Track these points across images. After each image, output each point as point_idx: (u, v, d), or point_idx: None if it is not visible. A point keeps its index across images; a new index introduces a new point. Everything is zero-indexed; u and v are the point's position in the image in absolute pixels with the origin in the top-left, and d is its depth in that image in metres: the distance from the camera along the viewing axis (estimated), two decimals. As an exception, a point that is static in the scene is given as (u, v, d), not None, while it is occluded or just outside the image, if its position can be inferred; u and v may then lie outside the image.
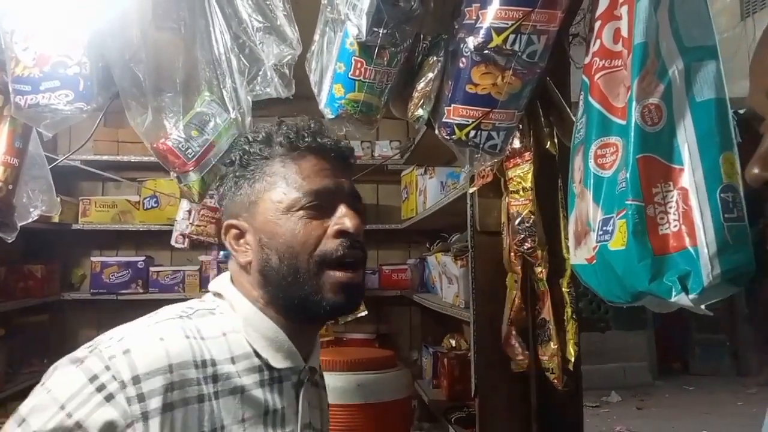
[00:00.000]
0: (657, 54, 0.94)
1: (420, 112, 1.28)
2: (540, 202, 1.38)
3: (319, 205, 0.79)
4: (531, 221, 1.38)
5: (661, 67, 0.93)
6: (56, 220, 2.85)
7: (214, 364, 0.73)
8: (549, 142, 1.39)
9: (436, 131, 1.25)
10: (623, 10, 1.04)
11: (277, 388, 0.78)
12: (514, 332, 1.40)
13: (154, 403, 0.67)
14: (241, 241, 0.81)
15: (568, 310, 1.35)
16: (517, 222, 1.41)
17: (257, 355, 0.77)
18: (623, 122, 1.00)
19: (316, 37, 1.31)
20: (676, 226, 0.90)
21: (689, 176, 0.90)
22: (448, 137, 1.20)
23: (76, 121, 1.06)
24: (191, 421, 0.69)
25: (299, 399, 0.80)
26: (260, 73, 1.28)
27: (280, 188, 0.79)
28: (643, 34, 0.93)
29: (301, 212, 0.78)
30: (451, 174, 2.21)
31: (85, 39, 1.07)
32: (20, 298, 2.79)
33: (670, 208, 0.90)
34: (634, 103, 0.93)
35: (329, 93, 1.22)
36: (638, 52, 0.93)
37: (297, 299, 0.78)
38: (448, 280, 2.08)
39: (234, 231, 0.82)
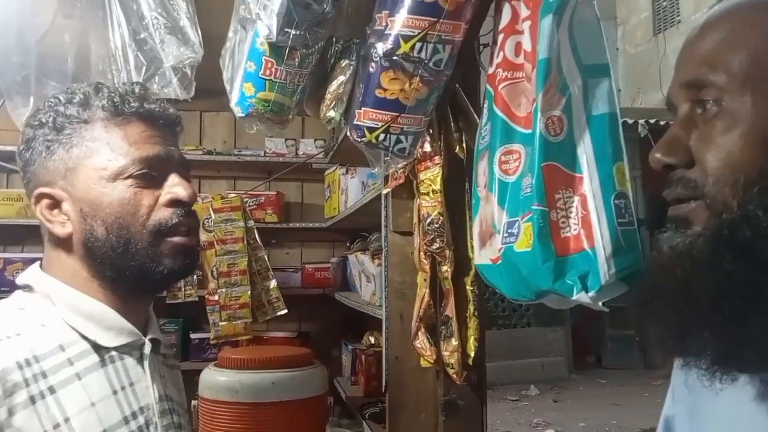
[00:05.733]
0: (559, 69, 1.00)
1: (332, 113, 1.31)
2: (448, 203, 1.44)
3: (149, 174, 0.76)
4: (440, 222, 1.44)
5: (563, 82, 1.00)
6: (-47, 213, 2.66)
7: (37, 360, 0.69)
8: (458, 147, 1.45)
9: (348, 133, 1.27)
10: (525, 26, 1.11)
11: (120, 365, 0.75)
12: (422, 329, 1.45)
13: (1, 415, 0.64)
14: (56, 211, 0.76)
15: (471, 307, 1.41)
16: (427, 223, 1.46)
17: (84, 338, 0.74)
18: (525, 131, 1.07)
19: (230, 33, 1.30)
20: (576, 229, 0.97)
21: (588, 184, 0.96)
22: (358, 139, 1.23)
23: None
24: (30, 425, 0.66)
25: (147, 372, 0.78)
26: (159, 72, 1.26)
27: (104, 155, 0.75)
28: (546, 50, 0.99)
29: (129, 180, 0.75)
30: (371, 174, 2.25)
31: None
32: None
33: (571, 212, 0.97)
34: (539, 114, 0.99)
35: (240, 91, 1.23)
36: (542, 66, 0.99)
37: (129, 270, 0.75)
38: (366, 278, 2.12)
39: (47, 200, 0.76)
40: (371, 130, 1.20)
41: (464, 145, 1.44)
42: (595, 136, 0.98)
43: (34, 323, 0.72)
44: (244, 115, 1.22)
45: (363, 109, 1.20)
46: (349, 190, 2.45)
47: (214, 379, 1.83)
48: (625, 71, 8.65)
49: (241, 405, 1.78)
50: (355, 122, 1.22)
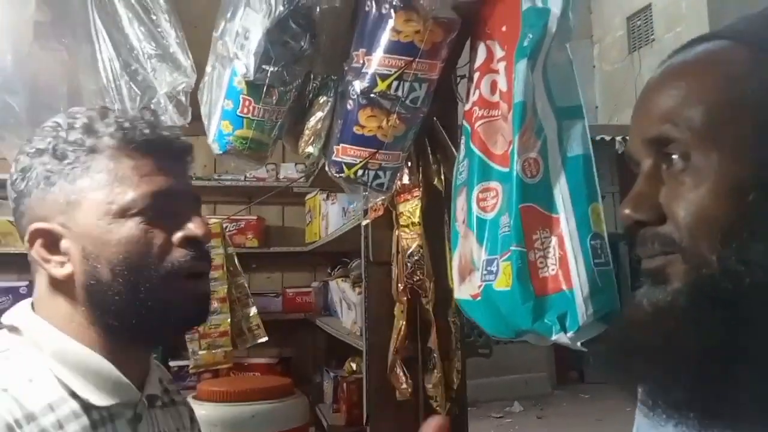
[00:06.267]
0: (534, 112, 1.01)
1: (310, 149, 1.31)
2: (428, 236, 1.44)
3: (160, 210, 0.68)
4: (420, 254, 1.44)
5: (538, 125, 1.01)
6: (-75, 241, 2.60)
7: (34, 417, 0.61)
8: (436, 179, 1.46)
9: (326, 168, 1.28)
10: (500, 66, 1.12)
11: (110, 428, 0.66)
12: (398, 361, 1.45)
13: None
14: (54, 249, 0.67)
15: (453, 339, 1.41)
16: (407, 255, 1.46)
17: (74, 395, 0.65)
18: (502, 168, 1.08)
19: (208, 68, 1.30)
20: (554, 269, 0.97)
21: (564, 224, 0.98)
22: (337, 175, 1.23)
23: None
24: None
25: None
26: (153, 100, 1.26)
27: (112, 187, 0.67)
28: (522, 93, 1.00)
29: (139, 217, 0.67)
30: (351, 201, 2.25)
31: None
32: None
33: (549, 253, 0.98)
34: (516, 157, 1.00)
35: (217, 128, 1.22)
36: (518, 109, 1.00)
37: (136, 318, 0.67)
38: (347, 305, 2.11)
39: (44, 237, 0.67)
40: (350, 165, 1.20)
41: (443, 177, 1.45)
42: (571, 178, 0.99)
43: (21, 377, 0.64)
44: (221, 152, 1.22)
45: (341, 145, 1.20)
46: (329, 216, 2.44)
47: (193, 413, 1.80)
48: (601, 89, 8.81)
49: (221, 439, 1.76)
50: (333, 158, 1.22)
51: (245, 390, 1.83)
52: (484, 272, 1.07)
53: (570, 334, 0.95)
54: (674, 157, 0.49)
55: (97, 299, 0.67)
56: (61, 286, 0.68)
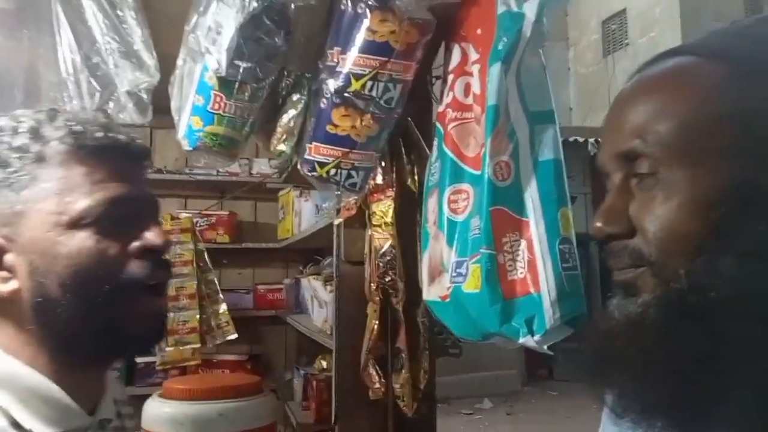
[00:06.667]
0: (507, 116, 1.02)
1: (282, 147, 1.30)
2: (400, 236, 1.44)
3: (115, 219, 0.63)
4: (392, 255, 1.44)
5: (510, 128, 1.02)
6: None
7: None
8: (410, 179, 1.46)
9: (299, 167, 1.26)
10: (474, 68, 1.13)
11: None
12: (371, 361, 1.44)
13: None
14: None
15: (421, 339, 1.42)
16: (380, 255, 1.46)
17: (16, 425, 0.59)
18: (474, 171, 1.08)
19: (180, 61, 1.27)
20: (522, 273, 0.98)
21: (534, 228, 0.98)
22: (309, 174, 1.22)
23: None
24: None
25: None
26: (113, 97, 1.23)
27: (62, 196, 0.62)
28: (495, 96, 1.01)
29: (92, 227, 0.62)
30: (325, 199, 2.24)
31: None
32: None
33: (518, 256, 0.99)
34: (487, 160, 1.00)
35: (188, 124, 1.20)
36: (491, 112, 1.01)
37: (88, 337, 0.62)
38: (318, 303, 2.10)
39: None
40: (322, 165, 1.19)
41: (416, 178, 1.45)
42: (541, 182, 1.00)
43: None
44: (191, 148, 1.20)
45: (314, 144, 1.19)
46: (302, 213, 2.43)
47: (159, 411, 1.77)
48: (576, 91, 8.94)
49: (187, 438, 1.73)
50: (305, 156, 1.21)
51: (212, 388, 1.80)
52: (454, 274, 1.07)
53: (537, 337, 0.96)
54: (644, 171, 0.49)
55: (45, 318, 0.62)
56: (5, 303, 0.63)
